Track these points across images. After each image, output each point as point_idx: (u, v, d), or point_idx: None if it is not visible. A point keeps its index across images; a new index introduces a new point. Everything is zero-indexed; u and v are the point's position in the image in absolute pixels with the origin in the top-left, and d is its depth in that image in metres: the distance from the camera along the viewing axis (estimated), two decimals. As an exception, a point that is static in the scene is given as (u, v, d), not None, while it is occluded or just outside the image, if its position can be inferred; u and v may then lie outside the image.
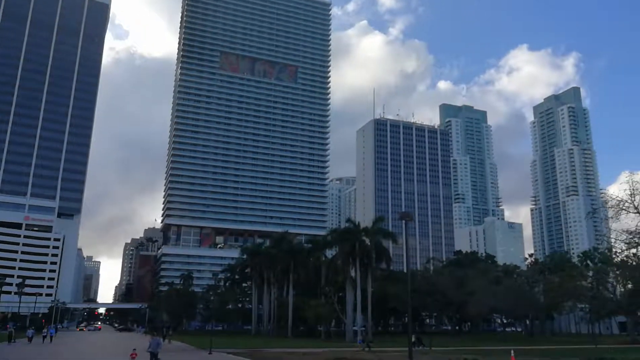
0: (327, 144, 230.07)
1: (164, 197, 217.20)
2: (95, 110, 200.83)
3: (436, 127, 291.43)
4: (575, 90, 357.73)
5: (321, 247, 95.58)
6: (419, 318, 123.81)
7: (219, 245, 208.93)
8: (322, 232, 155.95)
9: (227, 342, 61.95)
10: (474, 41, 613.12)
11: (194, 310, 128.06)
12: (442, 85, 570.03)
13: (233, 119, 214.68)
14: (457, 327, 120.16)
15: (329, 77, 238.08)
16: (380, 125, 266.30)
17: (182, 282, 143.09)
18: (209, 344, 46.34)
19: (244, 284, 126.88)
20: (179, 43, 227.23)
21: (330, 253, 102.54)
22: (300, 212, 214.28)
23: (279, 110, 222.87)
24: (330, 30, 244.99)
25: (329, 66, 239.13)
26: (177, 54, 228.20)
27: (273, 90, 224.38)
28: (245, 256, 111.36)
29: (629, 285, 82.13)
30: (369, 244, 77.65)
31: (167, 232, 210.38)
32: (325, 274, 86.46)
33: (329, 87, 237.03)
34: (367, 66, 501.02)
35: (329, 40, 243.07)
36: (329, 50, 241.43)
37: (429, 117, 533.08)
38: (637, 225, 77.66)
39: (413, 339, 58.74)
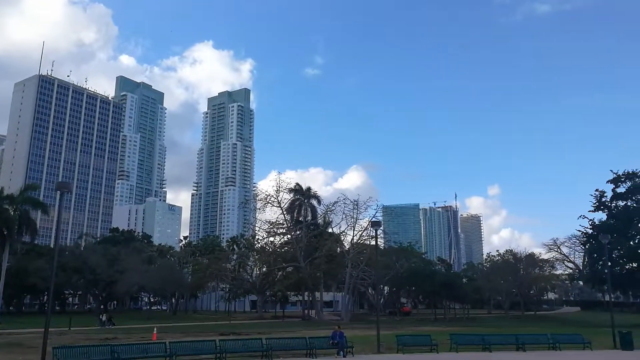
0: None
1: None
2: None
3: (110, 98, 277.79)
4: (247, 92, 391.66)
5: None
6: (61, 297, 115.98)
7: None
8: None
9: None
10: (162, 26, 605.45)
11: None
12: (125, 59, 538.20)
13: None
14: (102, 306, 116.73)
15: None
16: (45, 84, 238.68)
17: None
18: None
19: None
20: None
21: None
22: None
23: None
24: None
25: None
26: None
27: None
28: None
29: (264, 269, 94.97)
30: (12, 213, 69.14)
31: None
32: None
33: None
34: (40, 21, 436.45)
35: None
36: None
37: (105, 88, 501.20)
38: (277, 217, 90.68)
39: (104, 318, 60.08)
